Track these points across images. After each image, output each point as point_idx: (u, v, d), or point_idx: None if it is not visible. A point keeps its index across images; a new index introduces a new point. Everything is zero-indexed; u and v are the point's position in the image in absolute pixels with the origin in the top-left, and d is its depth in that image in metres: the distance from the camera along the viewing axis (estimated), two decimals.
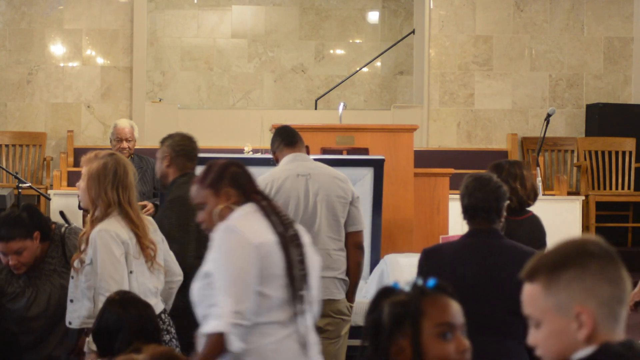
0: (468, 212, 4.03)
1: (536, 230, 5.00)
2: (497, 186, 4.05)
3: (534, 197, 5.06)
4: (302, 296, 3.37)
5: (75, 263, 4.39)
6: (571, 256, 2.09)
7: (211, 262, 3.34)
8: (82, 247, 4.38)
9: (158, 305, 4.43)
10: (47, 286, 4.66)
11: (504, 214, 4.08)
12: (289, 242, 3.39)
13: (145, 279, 4.40)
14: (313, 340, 3.45)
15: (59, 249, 4.74)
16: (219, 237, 3.36)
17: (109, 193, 4.44)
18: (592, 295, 2.06)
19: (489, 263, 3.96)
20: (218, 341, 3.23)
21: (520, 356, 3.95)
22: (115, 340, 3.67)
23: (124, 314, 3.75)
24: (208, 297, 3.29)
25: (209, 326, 3.26)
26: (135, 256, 4.36)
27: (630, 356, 2.07)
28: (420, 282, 2.41)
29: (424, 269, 4.05)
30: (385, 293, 2.42)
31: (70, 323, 4.44)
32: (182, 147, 5.39)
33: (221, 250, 3.33)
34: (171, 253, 4.70)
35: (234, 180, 3.50)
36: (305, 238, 3.49)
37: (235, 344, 3.22)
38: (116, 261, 4.29)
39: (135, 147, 7.83)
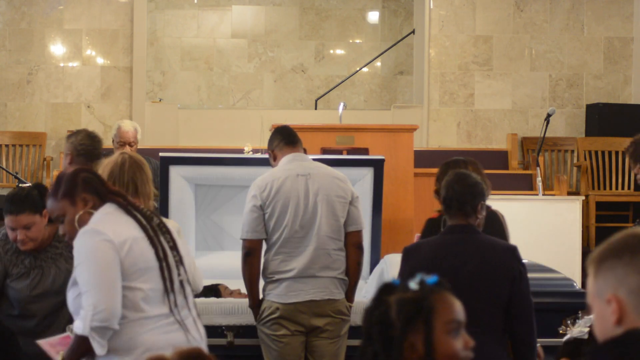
0: (445, 204, 4.18)
1: (494, 225, 4.97)
2: (474, 182, 4.18)
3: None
4: (181, 282, 3.47)
5: None
6: (613, 247, 2.27)
7: (76, 267, 3.43)
8: None
9: None
10: (52, 269, 4.67)
11: (482, 211, 4.19)
12: (156, 232, 3.46)
13: None
14: (194, 324, 3.54)
15: None
16: (78, 242, 3.43)
17: None
18: (623, 283, 2.23)
19: (467, 258, 4.08)
20: (82, 342, 3.38)
21: (499, 347, 4.07)
22: None
23: None
24: (79, 305, 3.42)
25: (75, 327, 3.41)
26: None
27: None
28: (425, 278, 2.44)
29: (405, 267, 4.18)
30: (388, 290, 2.43)
31: None
32: (83, 147, 5.52)
33: (82, 254, 3.41)
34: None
35: (87, 185, 3.56)
36: (171, 224, 3.59)
37: (98, 348, 3.34)
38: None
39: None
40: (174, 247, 3.49)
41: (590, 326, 3.54)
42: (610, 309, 2.24)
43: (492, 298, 4.09)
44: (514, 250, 4.19)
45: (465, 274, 4.06)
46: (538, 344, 4.20)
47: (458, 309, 2.45)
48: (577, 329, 3.77)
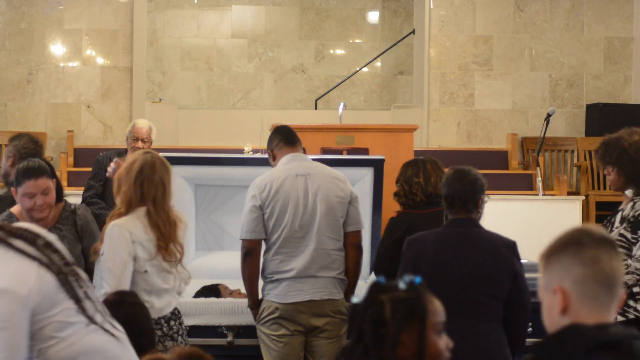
0: (447, 201, 4.34)
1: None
2: (474, 178, 4.34)
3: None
4: (85, 292, 3.21)
5: (93, 252, 4.56)
6: (560, 242, 2.40)
7: None
8: (102, 238, 4.53)
9: (170, 305, 4.52)
10: None
11: (483, 205, 4.37)
12: (47, 254, 3.16)
13: (160, 280, 4.44)
14: (112, 326, 3.37)
15: (70, 218, 4.98)
16: None
17: (130, 189, 4.49)
18: (568, 274, 2.35)
19: (468, 250, 4.25)
20: None
21: (497, 336, 4.22)
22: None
23: (117, 315, 3.75)
24: None
25: None
26: (148, 257, 4.42)
27: (597, 337, 2.27)
28: (412, 279, 2.49)
29: (408, 256, 4.30)
30: (380, 289, 2.48)
31: None
32: (26, 151, 5.65)
33: None
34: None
35: None
36: (51, 235, 3.33)
37: None
38: (118, 257, 4.39)
39: None
40: (64, 260, 3.19)
41: None
42: (557, 299, 2.34)
43: (494, 290, 4.23)
44: (513, 246, 4.34)
45: (470, 265, 4.22)
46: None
47: (442, 310, 2.50)
48: None
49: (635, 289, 4.65)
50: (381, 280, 2.51)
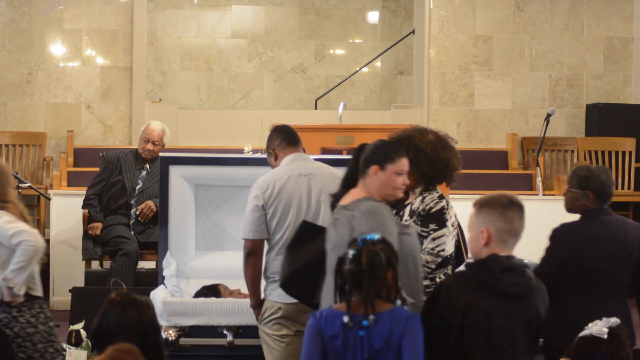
0: (596, 194, 4.85)
1: None
2: (610, 173, 5.00)
3: None
4: None
5: None
6: (492, 200, 3.81)
7: None
8: None
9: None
10: None
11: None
12: None
13: None
14: None
15: None
16: None
17: None
18: (493, 224, 3.78)
19: (614, 234, 4.81)
20: None
21: (624, 307, 4.85)
22: (114, 341, 3.67)
23: (125, 316, 3.75)
24: None
25: None
26: None
27: (506, 264, 3.74)
28: (374, 235, 3.75)
29: (569, 243, 4.79)
30: (370, 243, 3.69)
31: None
32: None
33: None
34: None
35: None
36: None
37: None
38: None
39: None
40: None
41: (609, 327, 3.78)
42: (482, 236, 3.77)
43: (630, 268, 4.85)
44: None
45: (614, 249, 4.80)
46: None
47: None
48: (597, 327, 3.79)
49: (425, 282, 4.68)
50: (365, 237, 3.72)
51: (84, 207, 7.72)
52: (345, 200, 4.40)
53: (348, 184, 4.48)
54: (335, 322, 3.64)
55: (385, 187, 4.37)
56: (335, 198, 4.49)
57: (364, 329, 3.60)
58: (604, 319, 3.85)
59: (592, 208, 4.87)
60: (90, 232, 7.60)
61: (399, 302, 3.70)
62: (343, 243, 4.10)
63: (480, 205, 3.77)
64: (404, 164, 4.42)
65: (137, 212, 7.53)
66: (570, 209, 4.98)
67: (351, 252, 3.67)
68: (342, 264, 3.68)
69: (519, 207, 3.79)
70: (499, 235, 3.72)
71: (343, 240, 4.17)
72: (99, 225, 7.59)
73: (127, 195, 7.63)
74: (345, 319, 3.61)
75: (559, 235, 4.85)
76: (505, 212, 3.74)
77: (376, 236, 3.73)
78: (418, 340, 3.61)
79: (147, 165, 7.69)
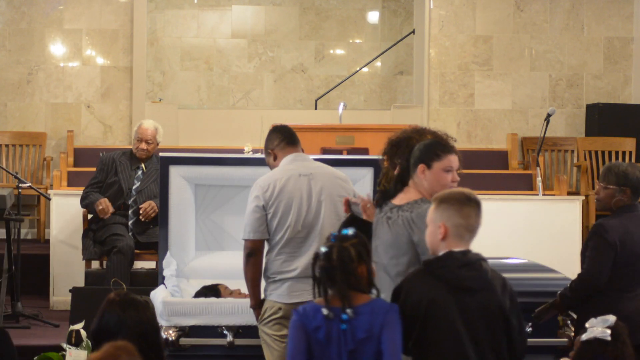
0: (633, 190, 5.03)
1: None
2: None
3: None
4: None
5: None
6: (450, 196, 3.88)
7: None
8: None
9: None
10: None
11: None
12: None
13: None
14: None
15: None
16: None
17: None
18: (450, 219, 3.84)
19: None
20: None
21: None
22: (114, 341, 3.66)
23: (124, 316, 3.75)
24: None
25: None
26: None
27: (463, 259, 3.82)
28: (349, 230, 3.90)
29: (612, 238, 4.93)
30: (342, 239, 3.85)
31: None
32: None
33: None
34: None
35: None
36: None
37: None
38: None
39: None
40: None
41: (610, 326, 3.78)
42: (440, 230, 3.85)
43: None
44: None
45: None
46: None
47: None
48: (599, 330, 3.77)
49: None
50: (338, 233, 3.90)
51: (82, 200, 7.68)
52: (401, 199, 4.39)
53: (402, 181, 4.46)
54: (317, 316, 3.79)
55: (434, 186, 4.32)
56: (383, 194, 4.49)
57: (345, 323, 3.76)
58: (600, 317, 3.84)
59: (627, 204, 5.03)
60: (99, 208, 7.50)
61: (374, 292, 3.87)
62: (400, 245, 4.25)
63: (439, 201, 3.86)
64: (451, 160, 4.36)
65: (140, 211, 7.53)
66: (605, 205, 5.12)
67: (322, 249, 3.86)
68: (317, 260, 3.87)
69: (475, 204, 3.86)
70: (456, 230, 3.82)
71: (401, 243, 4.26)
72: (105, 200, 7.51)
73: (124, 196, 7.63)
74: (325, 311, 3.76)
75: (606, 230, 4.97)
76: (462, 208, 3.82)
77: (350, 232, 3.89)
78: (397, 332, 3.78)
79: (143, 165, 7.70)
